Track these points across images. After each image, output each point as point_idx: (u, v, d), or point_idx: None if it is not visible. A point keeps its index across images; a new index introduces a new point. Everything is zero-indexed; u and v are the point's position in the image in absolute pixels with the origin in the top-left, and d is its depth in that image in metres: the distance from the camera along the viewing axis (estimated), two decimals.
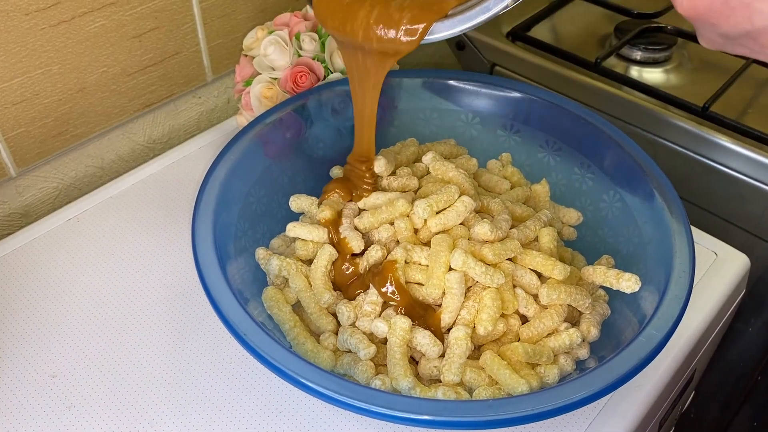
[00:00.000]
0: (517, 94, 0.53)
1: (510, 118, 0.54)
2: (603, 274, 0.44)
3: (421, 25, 0.39)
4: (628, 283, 0.42)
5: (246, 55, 0.59)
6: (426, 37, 0.40)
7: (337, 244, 0.46)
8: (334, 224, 0.47)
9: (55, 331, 0.48)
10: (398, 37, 0.40)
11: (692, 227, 0.55)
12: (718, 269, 0.53)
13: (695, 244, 0.54)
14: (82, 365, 0.46)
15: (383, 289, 0.42)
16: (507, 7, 0.36)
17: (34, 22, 0.53)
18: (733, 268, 0.54)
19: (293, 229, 0.47)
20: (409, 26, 0.40)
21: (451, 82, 0.55)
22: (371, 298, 0.42)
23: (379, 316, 0.42)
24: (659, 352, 0.37)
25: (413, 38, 0.40)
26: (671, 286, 0.40)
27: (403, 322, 0.41)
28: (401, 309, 0.42)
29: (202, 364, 0.46)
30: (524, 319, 0.44)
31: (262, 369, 0.44)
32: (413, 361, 0.43)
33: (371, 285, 0.43)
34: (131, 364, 0.46)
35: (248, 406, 0.43)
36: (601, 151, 0.50)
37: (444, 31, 0.39)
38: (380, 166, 0.50)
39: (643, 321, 0.39)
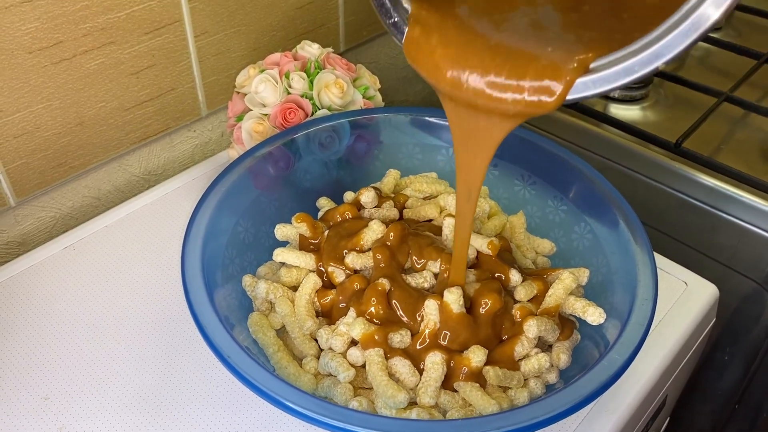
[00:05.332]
0: None
1: None
2: (571, 305, 0.46)
3: (561, 82, 0.31)
4: (592, 317, 0.44)
5: (238, 92, 0.62)
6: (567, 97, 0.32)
7: (322, 270, 0.49)
8: (318, 254, 0.50)
9: (48, 354, 0.50)
10: (531, 97, 0.32)
11: (664, 258, 0.58)
12: (688, 298, 0.55)
13: (667, 274, 0.57)
14: (74, 388, 0.47)
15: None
16: (654, 71, 0.30)
17: (36, 60, 0.56)
18: (702, 298, 0.56)
19: (281, 254, 0.49)
20: (544, 87, 0.31)
21: (433, 119, 0.58)
22: (347, 320, 0.45)
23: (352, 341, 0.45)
24: (621, 375, 0.39)
25: (550, 99, 0.31)
26: (634, 313, 0.42)
27: (377, 351, 0.43)
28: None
29: (190, 388, 0.47)
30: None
31: (246, 392, 0.46)
32: None
33: (351, 308, 0.45)
34: (122, 388, 0.47)
35: (233, 427, 0.45)
36: (573, 184, 0.53)
37: (582, 91, 0.31)
38: (368, 197, 0.53)
39: (608, 346, 0.41)
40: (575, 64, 0.31)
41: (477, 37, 0.34)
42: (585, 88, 0.31)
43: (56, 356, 0.49)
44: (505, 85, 0.32)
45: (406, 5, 0.37)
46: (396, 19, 0.37)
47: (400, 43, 0.37)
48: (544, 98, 0.32)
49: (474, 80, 0.33)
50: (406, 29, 0.36)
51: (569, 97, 0.32)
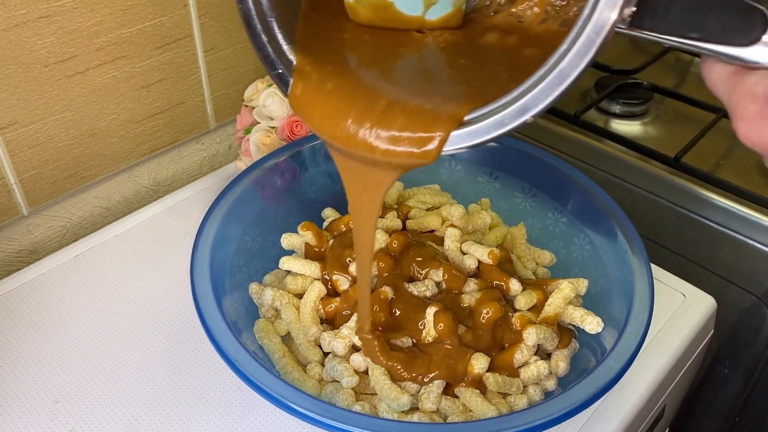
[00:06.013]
0: (495, 144, 0.58)
1: (489, 166, 0.58)
2: (570, 314, 0.47)
3: (439, 135, 0.31)
4: (590, 326, 0.46)
5: (247, 106, 0.64)
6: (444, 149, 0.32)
7: (327, 278, 0.50)
8: (323, 262, 0.51)
9: (59, 359, 0.51)
10: (409, 149, 0.32)
11: (662, 270, 0.59)
12: (686, 310, 0.56)
13: (665, 286, 0.58)
14: (84, 392, 0.49)
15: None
16: (524, 124, 0.29)
17: (51, 73, 0.57)
18: (700, 309, 0.57)
19: (287, 262, 0.50)
20: (421, 140, 0.32)
21: None
22: (350, 324, 0.46)
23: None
24: (617, 382, 0.40)
25: (427, 152, 0.32)
26: (630, 321, 0.43)
27: None
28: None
29: (197, 393, 0.48)
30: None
31: (252, 396, 0.47)
32: None
33: (354, 314, 0.46)
34: (131, 392, 0.49)
35: (240, 431, 0.46)
36: (572, 197, 0.54)
37: (457, 143, 0.32)
38: None
39: (605, 353, 0.42)
40: (449, 118, 0.31)
41: (359, 91, 0.34)
42: (460, 140, 0.31)
43: (67, 361, 0.51)
44: (384, 139, 0.33)
45: (291, 57, 0.36)
46: (280, 71, 0.36)
47: (285, 95, 0.37)
48: (421, 151, 0.32)
49: (354, 133, 0.33)
50: (291, 81, 0.36)
51: (446, 148, 0.32)
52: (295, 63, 0.36)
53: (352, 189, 0.38)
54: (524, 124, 0.29)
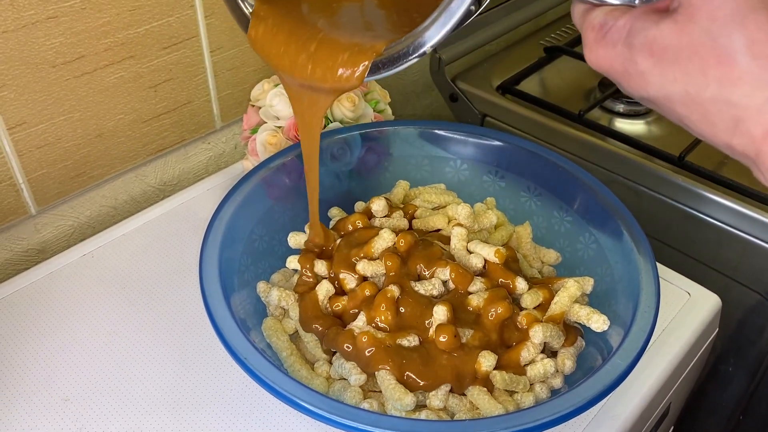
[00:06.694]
0: (500, 144, 0.58)
1: (495, 165, 0.59)
2: (576, 313, 0.47)
3: (363, 64, 0.40)
4: (597, 324, 0.46)
5: (253, 105, 0.64)
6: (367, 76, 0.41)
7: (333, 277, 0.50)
8: (330, 261, 0.51)
9: (68, 358, 0.51)
10: (341, 75, 0.41)
11: (667, 269, 0.59)
12: (691, 308, 0.57)
13: (670, 284, 0.58)
14: (93, 390, 0.49)
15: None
16: (424, 53, 0.37)
17: (60, 73, 0.58)
18: (705, 308, 0.57)
19: (293, 262, 0.51)
20: (350, 68, 0.40)
21: (441, 132, 0.60)
22: (357, 324, 0.46)
23: None
24: (623, 379, 0.40)
25: (354, 78, 0.41)
26: (637, 320, 0.43)
27: None
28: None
29: (206, 390, 0.49)
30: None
31: (260, 394, 0.48)
32: None
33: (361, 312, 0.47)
34: (139, 389, 0.49)
35: (248, 428, 0.46)
36: (578, 196, 0.54)
37: (375, 72, 0.40)
38: (379, 205, 0.54)
39: (611, 352, 0.43)
40: (370, 52, 0.40)
41: (304, 31, 0.42)
42: (376, 69, 0.39)
43: (75, 359, 0.51)
44: (322, 68, 0.41)
45: (252, 1, 0.44)
46: (241, 13, 0.44)
47: (245, 33, 0.44)
48: (352, 76, 0.40)
49: (301, 66, 0.42)
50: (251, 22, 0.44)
51: (368, 75, 0.40)
52: (254, 6, 0.44)
53: (298, 110, 0.47)
54: (424, 54, 0.37)
